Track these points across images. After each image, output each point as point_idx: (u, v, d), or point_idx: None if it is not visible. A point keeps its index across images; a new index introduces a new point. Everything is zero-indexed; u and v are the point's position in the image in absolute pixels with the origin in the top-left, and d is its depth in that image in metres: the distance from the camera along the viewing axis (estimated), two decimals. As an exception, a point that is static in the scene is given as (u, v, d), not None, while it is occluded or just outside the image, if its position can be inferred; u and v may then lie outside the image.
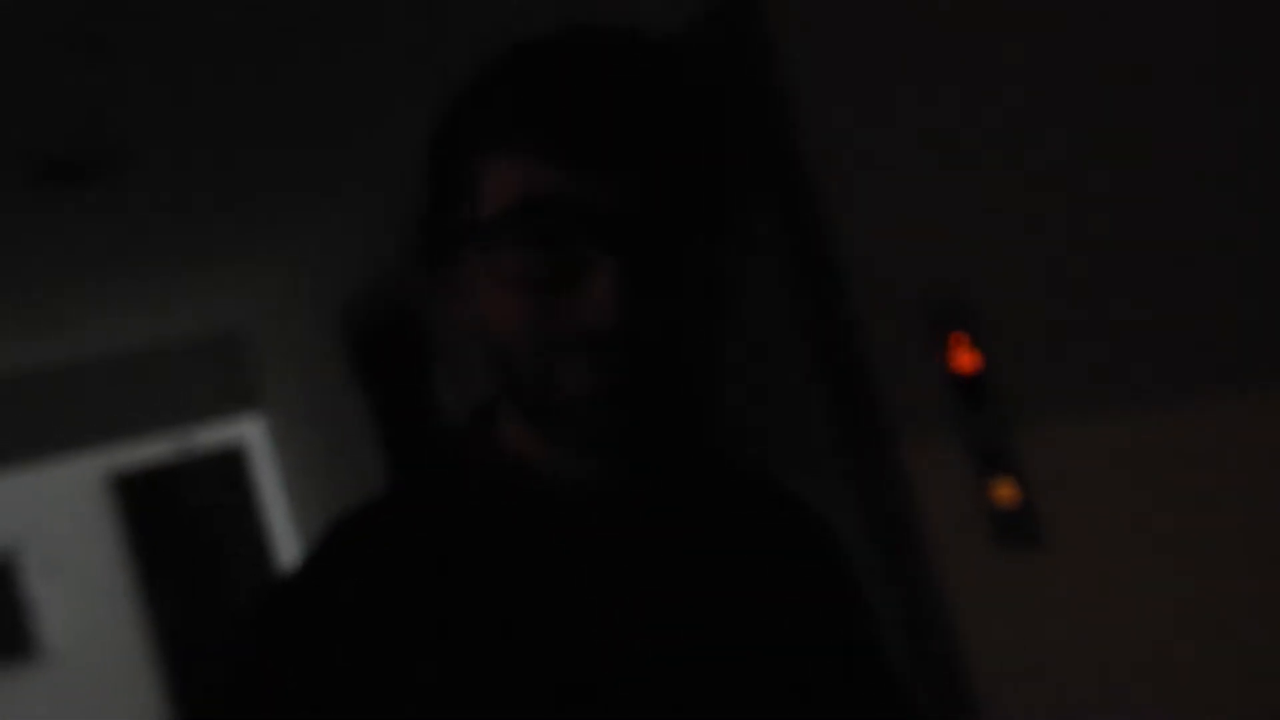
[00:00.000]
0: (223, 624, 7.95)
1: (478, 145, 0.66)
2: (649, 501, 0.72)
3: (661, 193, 0.64)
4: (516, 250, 0.64)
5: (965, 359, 1.73)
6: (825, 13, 1.85)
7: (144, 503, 8.01)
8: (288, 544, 7.74)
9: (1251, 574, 1.42)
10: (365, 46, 2.29)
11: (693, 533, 0.74)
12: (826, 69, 1.87)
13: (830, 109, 1.88)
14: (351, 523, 0.70)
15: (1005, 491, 1.71)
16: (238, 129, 2.66)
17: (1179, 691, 1.55)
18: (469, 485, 0.71)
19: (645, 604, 0.69)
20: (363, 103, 2.63)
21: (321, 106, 2.60)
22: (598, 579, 0.69)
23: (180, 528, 8.05)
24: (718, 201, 0.67)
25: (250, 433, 8.38)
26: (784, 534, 0.81)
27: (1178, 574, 1.51)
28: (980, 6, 1.58)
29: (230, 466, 8.15)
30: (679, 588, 0.71)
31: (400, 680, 0.63)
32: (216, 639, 7.95)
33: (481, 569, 0.67)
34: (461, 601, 0.66)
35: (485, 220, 0.65)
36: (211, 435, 8.36)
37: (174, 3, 1.92)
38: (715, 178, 0.67)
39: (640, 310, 0.63)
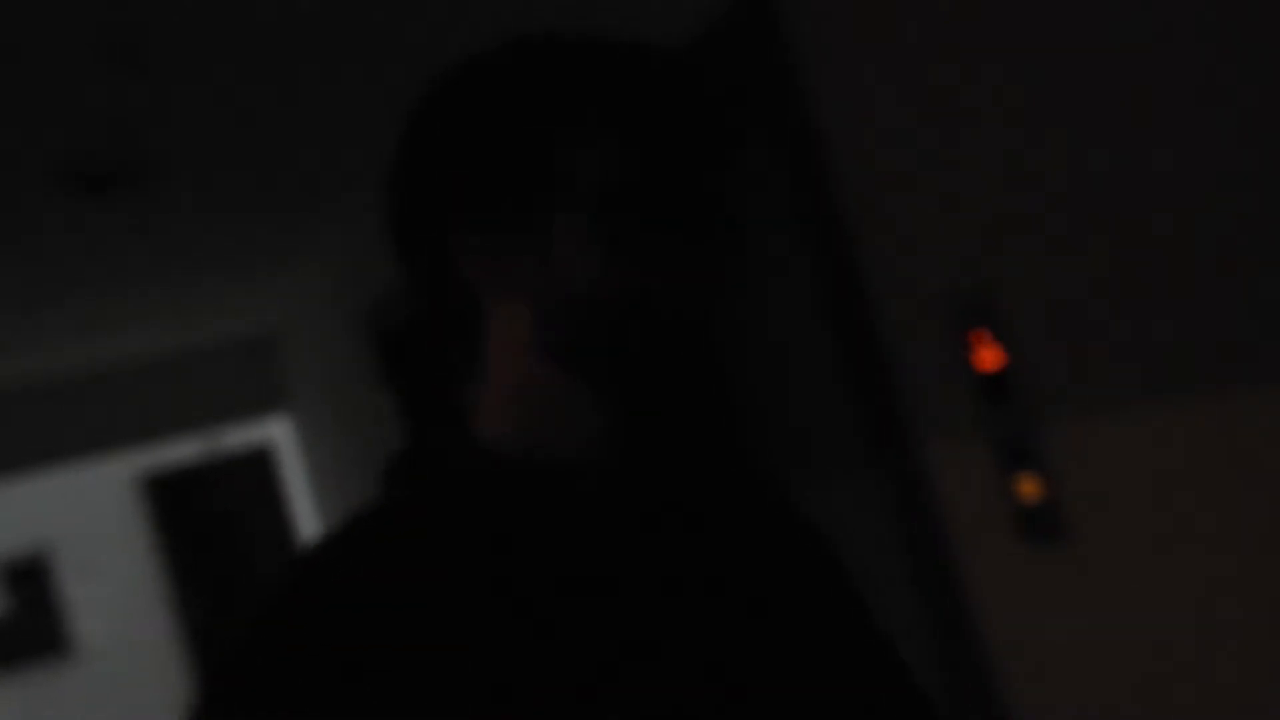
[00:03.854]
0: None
1: (564, 130, 0.70)
2: (636, 496, 0.74)
3: (743, 185, 0.70)
4: (647, 227, 0.69)
5: (989, 355, 1.74)
6: (847, 9, 1.85)
7: (175, 503, 8.08)
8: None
9: (1278, 569, 1.42)
10: (392, 57, 2.32)
11: (693, 525, 0.76)
12: (849, 67, 1.88)
13: (854, 106, 1.89)
14: (346, 534, 0.71)
15: (1029, 487, 1.72)
16: (267, 138, 2.69)
17: (1205, 687, 1.55)
18: (463, 488, 0.72)
19: (651, 597, 0.71)
20: (389, 112, 2.66)
21: (349, 115, 2.63)
22: (599, 569, 0.70)
23: (210, 527, 8.12)
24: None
25: (278, 433, 8.44)
26: (786, 534, 0.83)
27: (1201, 569, 1.52)
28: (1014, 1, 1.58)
29: (259, 467, 8.21)
30: (682, 579, 0.73)
31: (418, 679, 0.64)
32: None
33: (454, 577, 0.68)
34: (438, 613, 0.66)
35: (603, 195, 0.69)
36: (240, 436, 8.42)
37: (207, 16, 1.95)
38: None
39: (728, 297, 0.69)
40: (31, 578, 7.97)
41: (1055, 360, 1.65)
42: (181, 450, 8.37)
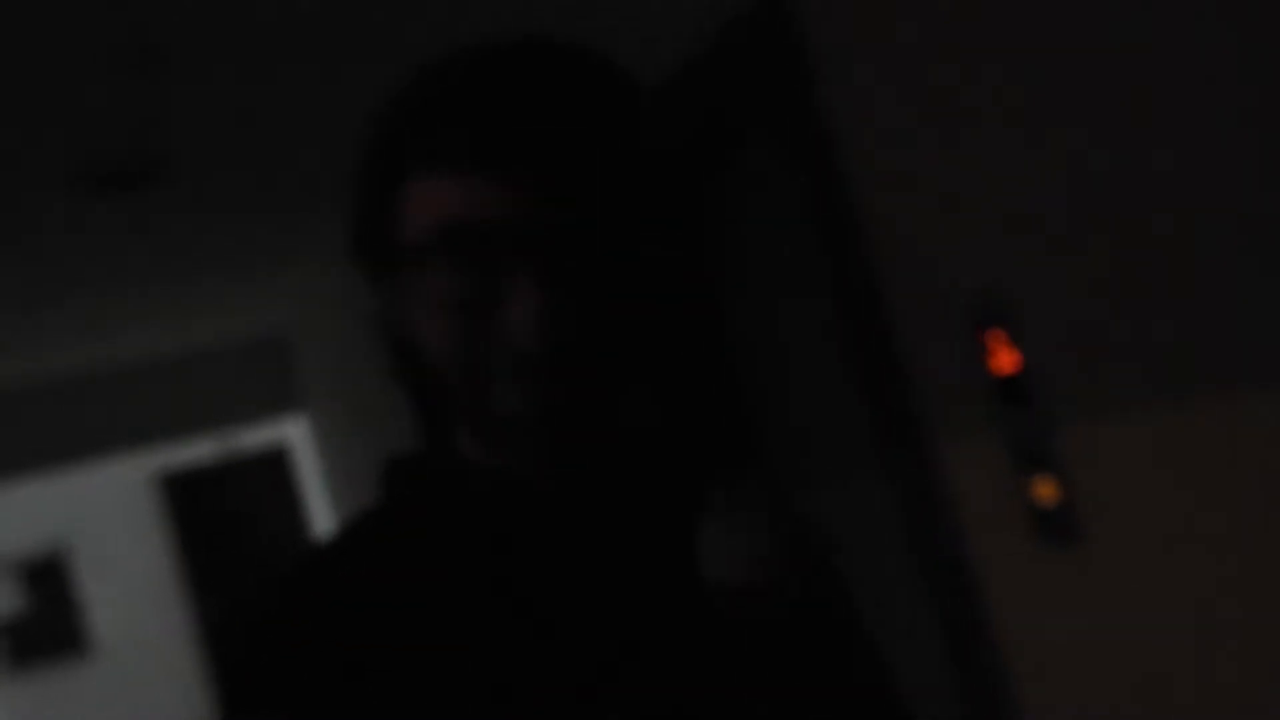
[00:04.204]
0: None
1: (400, 166, 0.66)
2: (600, 504, 0.72)
3: (583, 207, 0.63)
4: (440, 273, 0.64)
5: (1005, 358, 1.73)
6: (865, 12, 1.85)
7: (191, 502, 8.11)
8: (332, 542, 7.82)
9: (1294, 572, 1.41)
10: (402, 56, 2.32)
11: (653, 533, 0.74)
12: (864, 69, 1.87)
13: (867, 109, 1.89)
14: (322, 554, 0.71)
15: (1045, 489, 1.71)
16: (281, 137, 2.70)
17: (1218, 690, 1.54)
18: (434, 499, 0.72)
19: (608, 609, 0.69)
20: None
21: (360, 114, 2.63)
22: (553, 585, 0.69)
23: (226, 526, 8.15)
24: (648, 209, 0.67)
25: (294, 433, 8.46)
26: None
27: (1218, 572, 1.51)
28: (1028, 2, 1.58)
29: (275, 466, 8.23)
30: (643, 592, 0.71)
31: (390, 694, 0.64)
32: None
33: (450, 579, 0.68)
34: (436, 615, 0.67)
35: (410, 244, 0.65)
36: (256, 436, 8.45)
37: (220, 17, 1.95)
38: (641, 186, 0.66)
39: (566, 328, 0.63)
40: (49, 576, 8.01)
41: (1072, 362, 1.64)
42: (198, 450, 8.40)
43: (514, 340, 0.63)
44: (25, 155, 2.42)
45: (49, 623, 7.95)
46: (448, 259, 0.63)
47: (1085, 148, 1.53)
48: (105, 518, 8.24)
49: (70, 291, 3.71)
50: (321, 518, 8.19)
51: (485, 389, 0.65)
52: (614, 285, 0.65)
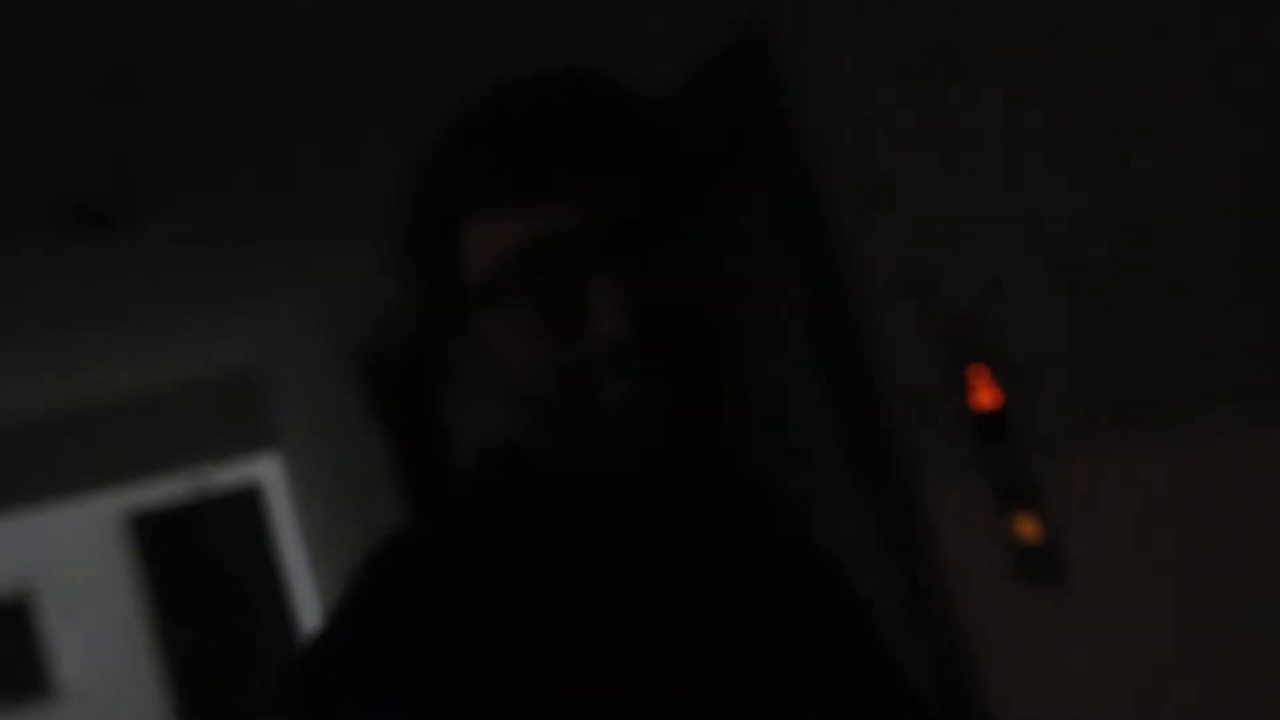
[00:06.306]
0: (240, 663, 7.92)
1: (455, 216, 0.72)
2: (683, 498, 0.78)
3: (630, 209, 0.69)
4: (521, 298, 0.69)
5: (986, 394, 1.71)
6: (837, 45, 1.85)
7: (161, 542, 8.01)
8: (305, 583, 7.73)
9: (1282, 610, 1.40)
10: (378, 92, 2.31)
11: (724, 529, 0.81)
12: (838, 101, 1.87)
13: (844, 142, 1.88)
14: (396, 549, 0.74)
15: (1028, 527, 1.70)
16: (251, 173, 2.68)
17: (1210, 731, 1.52)
18: (512, 500, 0.76)
19: (689, 599, 0.75)
20: (374, 146, 2.65)
21: (334, 150, 2.62)
22: (642, 577, 0.74)
23: (197, 567, 8.05)
24: (681, 198, 0.73)
25: (266, 472, 8.38)
26: (791, 534, 0.91)
27: (1203, 611, 1.49)
28: (1004, 28, 1.57)
29: (247, 506, 8.15)
30: (718, 585, 0.77)
31: (473, 684, 0.67)
32: (236, 678, 7.92)
33: (533, 572, 0.72)
34: (517, 605, 0.70)
35: (483, 281, 0.70)
36: (228, 475, 8.36)
37: (191, 54, 1.94)
38: (672, 178, 0.73)
39: (649, 315, 0.68)
40: (14, 618, 7.89)
41: (1054, 398, 1.63)
42: (168, 489, 8.30)
43: (604, 336, 0.67)
44: (-8, 190, 2.39)
45: (14, 665, 7.82)
46: (525, 283, 0.68)
47: (1069, 184, 1.53)
48: (73, 558, 8.12)
49: (36, 329, 3.66)
50: (295, 557, 8.10)
51: (585, 393, 0.69)
52: (673, 273, 0.71)
